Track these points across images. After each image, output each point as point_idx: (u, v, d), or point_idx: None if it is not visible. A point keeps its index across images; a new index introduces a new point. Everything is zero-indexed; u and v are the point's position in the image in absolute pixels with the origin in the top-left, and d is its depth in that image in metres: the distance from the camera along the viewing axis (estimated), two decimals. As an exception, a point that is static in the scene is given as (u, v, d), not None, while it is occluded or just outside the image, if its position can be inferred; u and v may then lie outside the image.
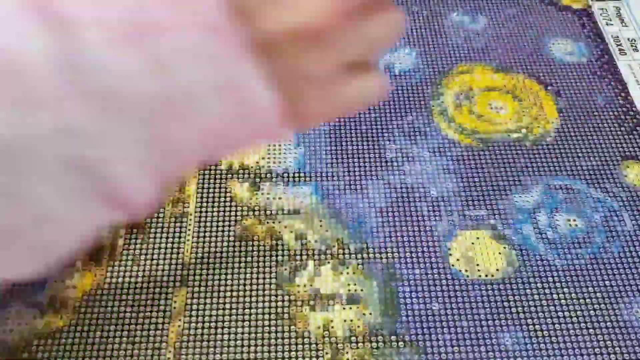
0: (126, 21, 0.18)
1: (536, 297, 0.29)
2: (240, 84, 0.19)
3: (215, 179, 0.33)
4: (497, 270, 0.30)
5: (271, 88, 0.20)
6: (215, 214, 0.31)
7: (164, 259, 0.30)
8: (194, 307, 0.28)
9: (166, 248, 0.30)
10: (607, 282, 0.29)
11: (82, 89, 0.17)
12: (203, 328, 0.28)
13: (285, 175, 0.33)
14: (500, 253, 0.30)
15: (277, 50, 0.20)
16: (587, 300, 0.29)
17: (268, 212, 0.32)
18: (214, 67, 0.19)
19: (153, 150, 0.19)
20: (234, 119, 0.20)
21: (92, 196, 0.19)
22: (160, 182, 0.21)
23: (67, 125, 0.17)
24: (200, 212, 0.31)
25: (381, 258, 0.30)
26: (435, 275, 0.29)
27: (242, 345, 0.27)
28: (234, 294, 0.29)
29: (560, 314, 0.28)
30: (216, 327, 0.28)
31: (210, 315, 0.28)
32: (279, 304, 0.28)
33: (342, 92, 0.23)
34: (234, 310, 0.28)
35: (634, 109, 0.36)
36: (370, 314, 0.28)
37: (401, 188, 0.33)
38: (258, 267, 0.30)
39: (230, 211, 0.32)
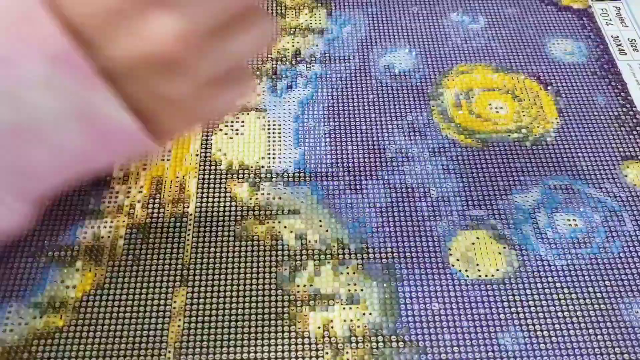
0: None
1: (536, 297, 0.29)
2: (93, 110, 0.20)
3: (215, 179, 0.33)
4: (497, 270, 0.30)
5: (128, 111, 0.20)
6: (215, 214, 0.31)
7: (164, 259, 0.30)
8: (194, 307, 0.28)
9: (166, 248, 0.30)
10: (607, 282, 0.29)
11: None
12: (203, 328, 0.28)
13: (285, 175, 0.33)
14: (500, 253, 0.30)
15: (129, 76, 0.20)
16: (587, 300, 0.29)
17: (268, 212, 0.32)
18: (64, 95, 0.19)
19: (16, 175, 0.20)
20: (94, 141, 0.21)
21: None
22: (30, 201, 0.22)
23: None
24: (200, 212, 0.31)
25: (381, 258, 0.30)
26: (435, 275, 0.29)
27: (242, 345, 0.27)
28: (234, 294, 0.29)
29: (560, 314, 0.28)
30: (216, 327, 0.28)
31: (210, 315, 0.28)
32: (279, 304, 0.28)
33: (207, 105, 0.23)
34: (234, 310, 0.28)
35: (634, 109, 0.36)
36: (370, 314, 0.28)
37: (401, 188, 0.33)
38: (258, 267, 0.30)
39: (230, 211, 0.32)
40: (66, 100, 0.19)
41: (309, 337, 0.27)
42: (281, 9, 0.41)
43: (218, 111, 0.25)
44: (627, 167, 0.34)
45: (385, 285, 0.29)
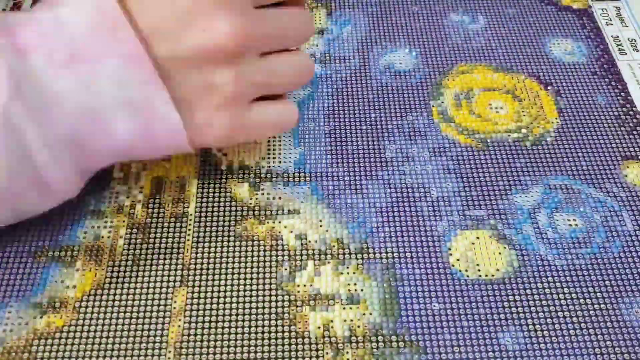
0: (66, 50, 0.23)
1: (536, 297, 0.29)
2: (148, 105, 0.24)
3: (215, 179, 0.33)
4: (497, 270, 0.30)
5: (177, 110, 0.25)
6: (215, 214, 0.31)
7: (164, 259, 0.30)
8: (194, 307, 0.28)
9: (166, 248, 0.30)
10: (607, 282, 0.29)
11: (26, 98, 0.23)
12: (203, 328, 0.28)
13: (285, 175, 0.33)
14: (500, 253, 0.30)
15: (185, 69, 0.25)
16: (587, 300, 0.29)
17: (268, 212, 0.32)
18: (128, 88, 0.24)
19: (76, 150, 0.25)
20: (142, 134, 0.25)
21: (25, 179, 0.24)
22: (81, 174, 0.27)
23: (12, 120, 0.23)
24: (200, 212, 0.31)
25: (381, 258, 0.30)
26: (435, 275, 0.29)
27: (242, 345, 0.27)
28: (234, 294, 0.29)
29: (560, 314, 0.28)
30: (216, 327, 0.28)
31: (210, 315, 0.28)
32: (279, 304, 0.28)
33: (249, 117, 0.27)
34: (234, 310, 0.28)
35: (634, 109, 0.36)
36: (370, 314, 0.28)
37: (401, 188, 0.33)
38: (258, 267, 0.30)
39: (230, 211, 0.32)
40: (128, 92, 0.24)
41: (309, 337, 0.27)
42: (281, 9, 0.41)
43: (262, 127, 0.29)
44: (627, 167, 0.34)
45: (385, 285, 0.29)
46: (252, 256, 0.30)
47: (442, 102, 0.36)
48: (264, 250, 0.30)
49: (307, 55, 0.29)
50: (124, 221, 0.31)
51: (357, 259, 0.30)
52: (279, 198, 0.32)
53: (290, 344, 0.27)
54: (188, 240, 0.30)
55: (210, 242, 0.30)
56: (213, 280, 0.29)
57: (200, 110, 0.26)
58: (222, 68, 0.25)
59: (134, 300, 0.28)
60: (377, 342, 0.27)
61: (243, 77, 0.26)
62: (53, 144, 0.24)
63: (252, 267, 0.30)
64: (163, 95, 0.24)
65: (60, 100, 0.24)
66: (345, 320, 0.28)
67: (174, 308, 0.28)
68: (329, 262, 0.30)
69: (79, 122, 0.24)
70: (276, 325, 0.28)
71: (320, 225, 0.31)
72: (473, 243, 0.31)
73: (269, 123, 0.29)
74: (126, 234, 0.31)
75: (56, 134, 0.24)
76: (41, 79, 0.23)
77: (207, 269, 0.30)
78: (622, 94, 0.37)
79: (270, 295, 0.29)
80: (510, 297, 0.29)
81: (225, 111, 0.26)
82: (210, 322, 0.28)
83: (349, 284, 0.29)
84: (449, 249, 0.30)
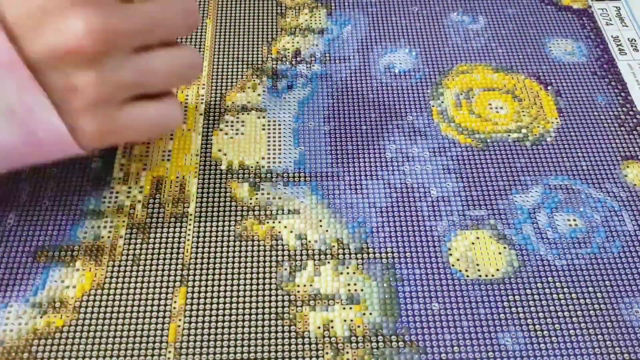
0: None
1: (536, 297, 0.29)
2: (26, 111, 0.23)
3: (215, 179, 0.33)
4: (497, 270, 0.30)
5: (56, 114, 0.24)
6: (215, 214, 0.31)
7: (164, 259, 0.30)
8: (194, 307, 0.28)
9: (166, 248, 0.30)
10: (607, 282, 0.29)
11: None
12: (203, 328, 0.28)
13: (285, 175, 0.33)
14: (500, 253, 0.30)
15: (51, 68, 0.23)
16: (587, 300, 0.29)
17: (268, 212, 0.32)
18: (2, 95, 0.23)
19: None
20: (24, 141, 0.24)
21: None
22: None
23: None
24: (200, 212, 0.31)
25: (381, 258, 0.30)
26: (435, 275, 0.29)
27: (242, 345, 0.27)
28: (234, 294, 0.29)
29: (560, 314, 0.28)
30: (216, 327, 0.28)
31: (210, 315, 0.28)
32: (279, 304, 0.28)
33: (120, 118, 0.26)
34: (234, 310, 0.28)
35: (634, 109, 0.36)
36: (371, 314, 0.28)
37: (401, 188, 0.33)
38: (258, 267, 0.30)
39: (230, 211, 0.32)
40: (3, 99, 0.23)
41: (309, 337, 0.27)
42: (281, 9, 0.41)
43: (138, 127, 0.27)
44: (627, 167, 0.34)
45: (385, 285, 0.29)
46: (252, 256, 0.30)
47: (442, 102, 0.36)
48: (264, 250, 0.30)
49: (192, 50, 0.27)
50: (124, 221, 0.31)
51: (357, 259, 0.30)
52: (279, 198, 0.32)
53: (290, 344, 0.27)
54: (188, 240, 0.30)
55: (210, 242, 0.30)
56: (213, 280, 0.29)
57: (65, 113, 0.24)
58: (83, 69, 0.24)
59: (134, 300, 0.28)
60: (377, 342, 0.27)
61: (108, 78, 0.24)
62: None
63: (252, 267, 0.30)
64: (38, 101, 0.23)
65: None
66: (345, 320, 0.28)
67: (174, 308, 0.28)
68: (329, 262, 0.30)
69: None
70: (276, 325, 0.28)
71: (320, 225, 0.31)
72: (473, 243, 0.31)
73: (145, 124, 0.27)
74: (126, 234, 0.31)
75: None
76: None
77: (207, 269, 0.30)
78: (622, 94, 0.37)
79: (270, 295, 0.29)
80: (510, 297, 0.29)
81: (91, 114, 0.25)
82: (210, 322, 0.28)
83: (349, 284, 0.29)
84: (449, 249, 0.30)
